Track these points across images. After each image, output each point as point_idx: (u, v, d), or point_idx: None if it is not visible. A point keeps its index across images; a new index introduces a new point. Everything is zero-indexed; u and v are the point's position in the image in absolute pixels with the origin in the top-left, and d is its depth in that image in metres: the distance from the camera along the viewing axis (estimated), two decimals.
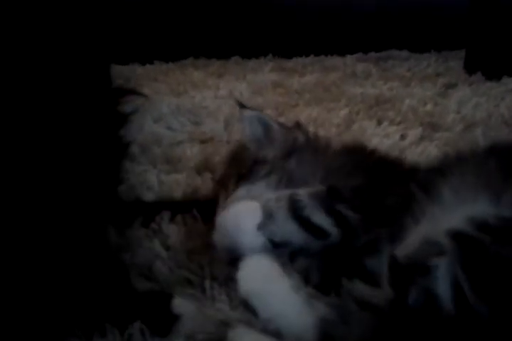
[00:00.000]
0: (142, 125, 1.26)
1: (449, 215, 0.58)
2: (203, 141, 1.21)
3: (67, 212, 0.62)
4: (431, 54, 2.01)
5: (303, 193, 0.66)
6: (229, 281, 0.67)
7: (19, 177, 0.60)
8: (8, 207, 0.59)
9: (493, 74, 1.63)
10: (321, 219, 0.64)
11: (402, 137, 1.18)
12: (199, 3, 2.09)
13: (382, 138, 1.17)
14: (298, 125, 0.82)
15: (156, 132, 1.25)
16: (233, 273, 0.63)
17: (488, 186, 0.58)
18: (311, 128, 0.93)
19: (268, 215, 0.65)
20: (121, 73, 1.63)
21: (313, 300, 0.58)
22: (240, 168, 0.78)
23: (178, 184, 0.98)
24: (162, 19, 2.04)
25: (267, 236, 0.65)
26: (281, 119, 1.17)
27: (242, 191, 0.74)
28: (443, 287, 0.53)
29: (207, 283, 0.68)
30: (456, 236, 0.54)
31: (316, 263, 0.65)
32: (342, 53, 2.03)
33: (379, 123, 1.28)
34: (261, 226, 0.65)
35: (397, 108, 1.39)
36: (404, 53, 2.03)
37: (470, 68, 1.72)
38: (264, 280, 0.61)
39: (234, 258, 0.65)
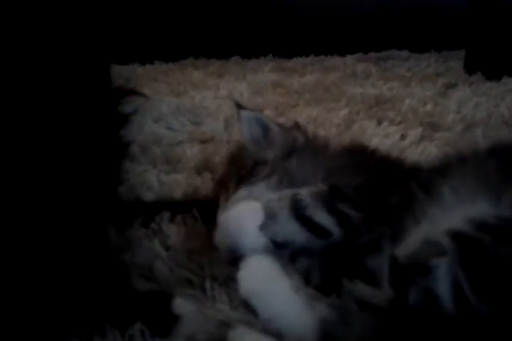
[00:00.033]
0: (142, 125, 1.26)
1: (449, 215, 0.58)
2: (203, 141, 1.21)
3: (67, 212, 0.62)
4: (431, 54, 2.01)
5: (305, 193, 0.66)
6: (229, 281, 0.67)
7: (19, 177, 0.60)
8: (9, 208, 0.59)
9: (493, 74, 1.63)
10: (323, 218, 0.64)
11: (402, 137, 1.18)
12: (199, 3, 2.09)
13: (382, 138, 1.17)
14: (297, 125, 0.82)
15: (156, 132, 1.25)
16: (234, 274, 0.63)
17: (488, 187, 0.58)
18: (311, 129, 0.94)
19: (270, 215, 0.65)
20: (121, 73, 1.63)
21: (313, 301, 0.58)
22: (240, 169, 0.78)
23: (178, 184, 0.98)
24: (162, 19, 2.04)
25: (269, 237, 0.65)
26: (281, 119, 1.18)
27: (243, 192, 0.74)
28: (443, 287, 0.53)
29: (207, 284, 0.68)
30: (456, 236, 0.54)
31: (317, 264, 0.65)
32: (342, 53, 2.03)
33: (379, 123, 1.28)
34: (263, 227, 0.65)
35: (397, 108, 1.39)
36: (404, 53, 2.03)
37: (470, 68, 1.72)
38: (264, 280, 0.61)
39: (234, 259, 0.65)
